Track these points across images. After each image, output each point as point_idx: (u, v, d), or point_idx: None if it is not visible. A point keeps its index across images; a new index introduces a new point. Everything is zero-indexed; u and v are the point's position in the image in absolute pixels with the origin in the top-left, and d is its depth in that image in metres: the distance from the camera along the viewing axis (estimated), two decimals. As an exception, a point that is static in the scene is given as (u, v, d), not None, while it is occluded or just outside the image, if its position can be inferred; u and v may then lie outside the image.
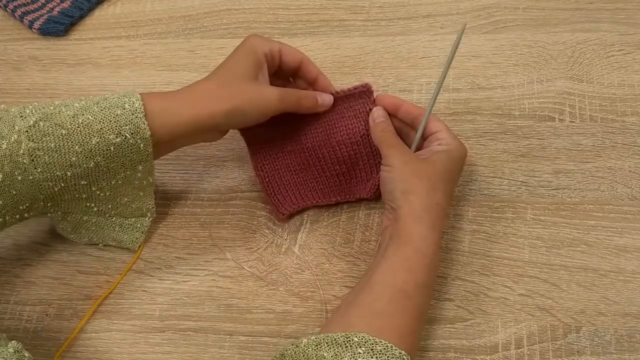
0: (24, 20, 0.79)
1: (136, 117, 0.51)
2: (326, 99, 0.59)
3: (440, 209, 0.51)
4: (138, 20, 0.79)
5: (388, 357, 0.43)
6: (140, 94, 0.53)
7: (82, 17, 0.80)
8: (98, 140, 0.51)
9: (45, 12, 0.80)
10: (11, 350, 0.43)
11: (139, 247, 0.60)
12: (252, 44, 0.57)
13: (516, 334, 0.53)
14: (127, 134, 0.52)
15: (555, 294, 0.55)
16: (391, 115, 0.59)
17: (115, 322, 0.57)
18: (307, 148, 0.60)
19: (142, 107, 0.52)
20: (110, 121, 0.51)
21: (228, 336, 0.56)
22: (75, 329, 0.56)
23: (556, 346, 0.52)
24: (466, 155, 0.56)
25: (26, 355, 0.43)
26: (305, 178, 0.61)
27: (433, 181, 0.51)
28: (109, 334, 0.57)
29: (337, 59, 0.72)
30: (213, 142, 0.61)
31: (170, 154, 0.58)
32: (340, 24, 0.75)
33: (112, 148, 0.52)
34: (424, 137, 0.57)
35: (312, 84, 0.61)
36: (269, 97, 0.56)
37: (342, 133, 0.59)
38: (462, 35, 0.54)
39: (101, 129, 0.51)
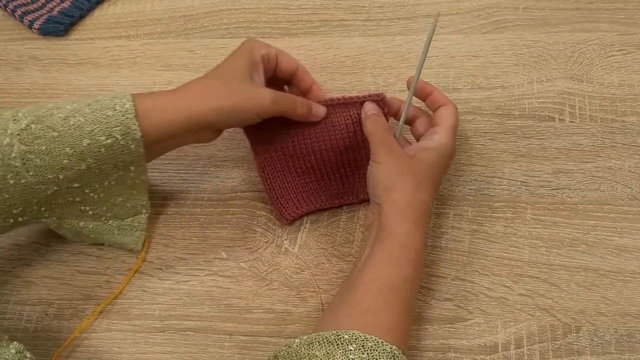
0: (24, 20, 0.79)
1: (127, 118, 0.51)
2: (320, 110, 0.58)
3: (424, 205, 0.51)
4: (138, 20, 0.79)
5: (379, 352, 0.43)
6: (131, 94, 0.52)
7: (82, 17, 0.80)
8: (89, 142, 0.51)
9: (45, 12, 0.79)
10: (13, 351, 0.43)
11: (143, 245, 0.60)
12: (249, 46, 0.58)
13: (516, 334, 0.53)
14: (117, 135, 0.51)
15: (555, 294, 0.55)
16: (421, 99, 0.59)
17: (115, 322, 0.57)
18: (314, 151, 0.59)
19: (133, 108, 0.51)
20: (101, 123, 0.51)
21: (228, 336, 0.56)
22: (75, 331, 0.56)
23: (556, 346, 0.52)
24: (454, 155, 0.56)
25: (28, 356, 0.43)
26: (309, 181, 0.61)
27: (418, 179, 0.52)
28: (109, 334, 0.57)
29: (337, 59, 0.72)
30: (213, 142, 0.60)
31: (170, 153, 0.58)
32: (340, 24, 0.75)
33: (103, 150, 0.51)
34: (432, 124, 0.57)
35: (306, 93, 0.61)
36: (263, 98, 0.55)
37: (351, 137, 0.59)
38: (435, 25, 0.54)
39: (92, 130, 0.51)
